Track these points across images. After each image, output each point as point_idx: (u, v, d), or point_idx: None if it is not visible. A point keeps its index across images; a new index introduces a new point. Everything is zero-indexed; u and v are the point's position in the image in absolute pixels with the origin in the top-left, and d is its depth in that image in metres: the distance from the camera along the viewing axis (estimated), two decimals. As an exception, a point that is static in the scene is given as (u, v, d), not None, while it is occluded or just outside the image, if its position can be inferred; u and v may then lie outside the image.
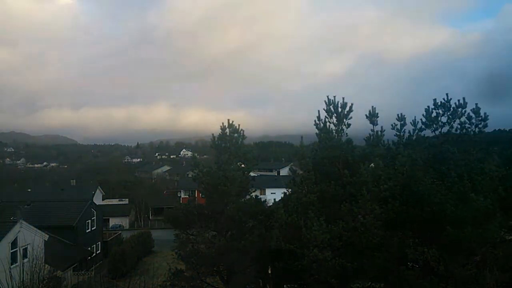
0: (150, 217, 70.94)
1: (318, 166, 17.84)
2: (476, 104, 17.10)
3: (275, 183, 67.92)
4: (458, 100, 17.24)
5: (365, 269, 16.21)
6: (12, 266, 18.84)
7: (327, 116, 18.05)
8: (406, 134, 18.59)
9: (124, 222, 66.14)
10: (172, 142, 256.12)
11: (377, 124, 18.19)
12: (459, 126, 17.30)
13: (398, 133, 18.61)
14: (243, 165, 22.20)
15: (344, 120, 17.95)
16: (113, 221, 64.27)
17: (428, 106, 17.73)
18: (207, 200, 21.69)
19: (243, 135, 22.20)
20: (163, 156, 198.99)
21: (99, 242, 41.05)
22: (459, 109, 17.11)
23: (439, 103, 17.54)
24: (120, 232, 52.01)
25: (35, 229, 24.06)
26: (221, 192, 19.96)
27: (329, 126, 18.08)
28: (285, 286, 22.18)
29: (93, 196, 58.82)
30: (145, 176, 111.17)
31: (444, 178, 15.96)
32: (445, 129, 17.64)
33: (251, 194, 22.16)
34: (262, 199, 22.96)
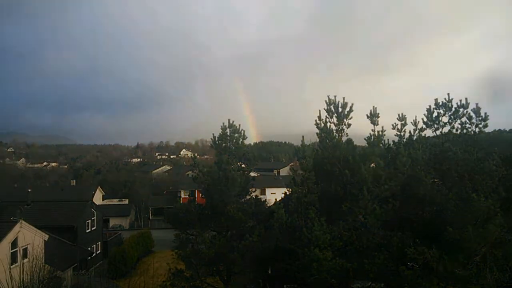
0: (150, 217, 70.89)
1: (319, 166, 17.83)
2: (477, 104, 17.12)
3: (275, 183, 67.98)
4: (460, 100, 17.26)
5: (365, 269, 16.20)
6: (12, 266, 18.82)
7: (327, 116, 18.06)
8: (407, 134, 18.58)
9: (124, 222, 66.07)
10: (172, 142, 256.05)
11: (377, 124, 18.19)
12: (459, 126, 17.29)
13: (398, 133, 18.61)
14: (243, 165, 22.21)
15: (345, 120, 17.96)
16: (113, 221, 64.19)
17: (430, 106, 17.73)
18: (207, 200, 21.69)
19: (244, 135, 22.21)
20: (163, 156, 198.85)
21: (99, 242, 41.00)
22: (461, 109, 17.09)
23: (440, 103, 17.53)
24: (120, 232, 51.99)
25: (35, 229, 24.01)
26: (221, 192, 19.97)
27: (330, 126, 18.10)
28: (285, 286, 22.16)
29: (93, 196, 58.82)
30: (145, 176, 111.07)
31: (445, 178, 15.96)
32: (446, 129, 17.63)
33: (251, 194, 22.15)
34: (262, 199, 22.95)
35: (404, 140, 18.57)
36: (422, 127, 18.12)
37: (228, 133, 21.93)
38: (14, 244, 21.86)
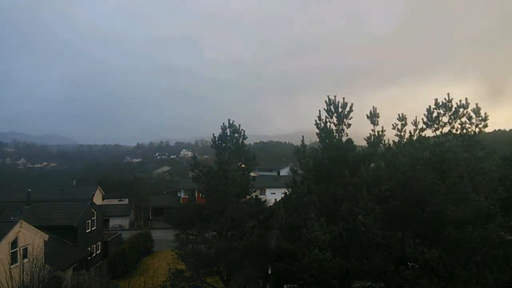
0: (150, 217, 70.83)
1: (319, 166, 17.84)
2: (477, 104, 17.12)
3: (275, 183, 67.80)
4: (460, 100, 17.25)
5: (365, 269, 16.20)
6: (12, 266, 18.81)
7: (327, 116, 18.07)
8: (407, 134, 18.57)
9: (124, 222, 66.03)
10: (172, 142, 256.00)
11: (377, 124, 18.20)
12: (459, 126, 17.28)
13: (398, 133, 18.60)
14: (243, 165, 22.19)
15: (345, 120, 17.97)
16: (113, 221, 64.14)
17: (430, 106, 17.72)
18: (207, 200, 21.67)
19: (244, 135, 22.20)
20: (163, 156, 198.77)
21: (99, 242, 40.97)
22: (461, 109, 17.08)
23: (440, 103, 17.52)
24: (120, 232, 51.95)
25: (35, 229, 23.99)
26: (221, 192, 19.95)
27: (330, 126, 18.10)
28: (285, 286, 22.15)
29: (93, 196, 58.75)
30: (145, 176, 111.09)
31: (445, 178, 15.95)
32: (446, 129, 17.62)
33: (251, 194, 22.14)
34: (262, 199, 22.94)
35: (405, 140, 18.57)
36: (422, 127, 18.11)
37: (228, 133, 21.92)
38: (14, 244, 21.84)
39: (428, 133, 18.16)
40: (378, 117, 18.13)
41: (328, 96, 18.02)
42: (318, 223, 15.23)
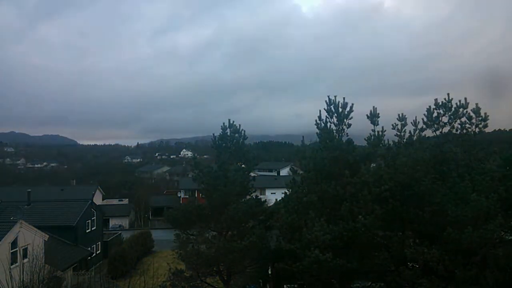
0: (150, 217, 70.85)
1: (319, 166, 17.83)
2: (477, 104, 17.11)
3: (275, 183, 67.84)
4: (460, 100, 17.25)
5: (365, 269, 16.21)
6: (12, 266, 18.82)
7: (327, 116, 18.05)
8: (407, 134, 18.57)
9: (124, 222, 66.05)
10: (172, 142, 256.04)
11: (378, 124, 18.18)
12: (459, 126, 17.28)
13: (399, 133, 18.59)
14: (243, 165, 22.19)
15: (345, 120, 17.96)
16: (113, 221, 64.17)
17: (430, 106, 17.72)
18: (207, 200, 21.67)
19: (244, 135, 22.20)
20: (163, 156, 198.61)
21: (99, 242, 40.97)
22: (460, 109, 17.08)
23: (440, 103, 17.52)
24: (120, 232, 51.95)
25: (35, 229, 23.97)
26: (221, 192, 19.95)
27: (330, 126, 18.09)
28: (285, 286, 22.17)
29: (93, 196, 58.72)
30: (145, 176, 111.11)
31: (445, 178, 15.94)
32: (446, 129, 17.62)
33: (251, 194, 22.15)
34: (262, 199, 22.95)
35: (404, 140, 18.56)
36: (422, 127, 18.12)
37: (228, 133, 21.92)
38: (14, 244, 21.83)
39: (428, 133, 18.19)
40: (378, 117, 18.13)
41: (328, 96, 18.02)
42: (318, 223, 15.23)
